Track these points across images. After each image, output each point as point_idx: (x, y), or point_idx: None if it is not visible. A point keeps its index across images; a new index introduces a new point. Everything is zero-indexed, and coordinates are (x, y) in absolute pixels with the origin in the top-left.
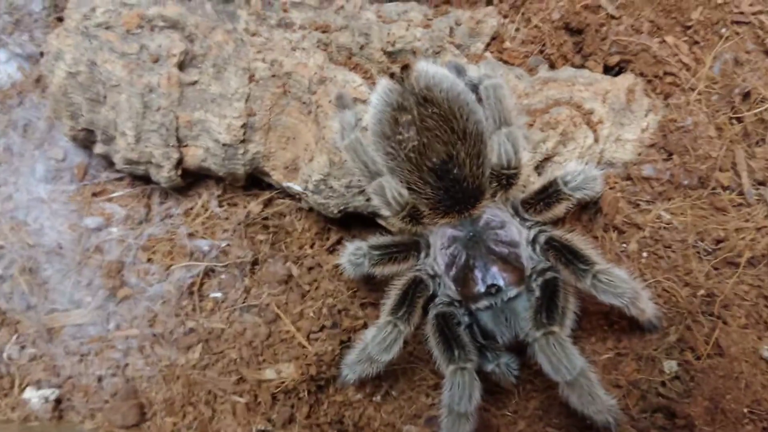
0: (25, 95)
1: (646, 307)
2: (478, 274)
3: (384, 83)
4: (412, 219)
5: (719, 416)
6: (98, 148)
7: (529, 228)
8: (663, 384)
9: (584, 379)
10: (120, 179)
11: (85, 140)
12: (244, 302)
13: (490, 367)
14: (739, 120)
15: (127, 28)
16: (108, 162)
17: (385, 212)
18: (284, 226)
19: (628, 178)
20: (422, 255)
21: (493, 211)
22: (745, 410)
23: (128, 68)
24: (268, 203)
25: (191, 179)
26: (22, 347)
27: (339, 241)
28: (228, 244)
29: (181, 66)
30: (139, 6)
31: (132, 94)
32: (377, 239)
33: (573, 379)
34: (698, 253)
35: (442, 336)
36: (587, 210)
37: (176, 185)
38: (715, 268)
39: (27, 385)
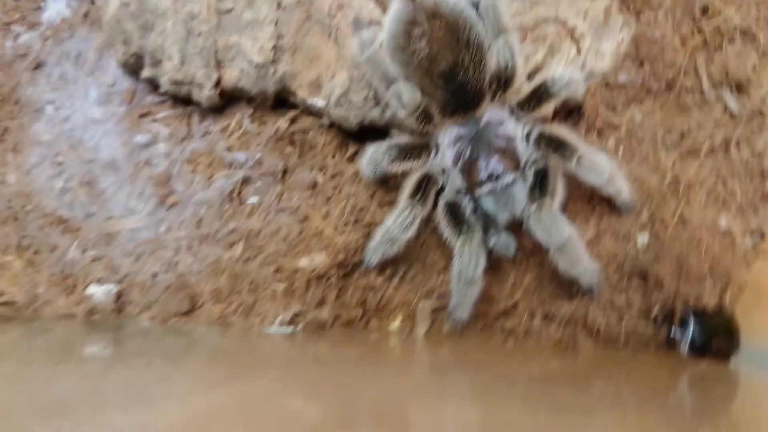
0: (75, 29)
1: (622, 187)
2: (481, 164)
3: (398, 2)
4: (424, 118)
5: (684, 275)
6: (146, 72)
7: (524, 125)
8: (637, 254)
9: (571, 244)
10: (163, 102)
11: (135, 65)
12: (277, 205)
13: (491, 243)
14: (700, 31)
15: None
16: (152, 87)
17: (401, 113)
18: (308, 140)
19: (606, 85)
20: (432, 154)
21: (493, 112)
22: (705, 271)
23: None
24: (293, 120)
25: (226, 101)
26: (84, 250)
27: (356, 153)
28: (261, 156)
29: None
30: None
31: (177, 21)
32: (395, 139)
33: (562, 244)
34: (666, 145)
35: (452, 218)
36: (572, 116)
37: (214, 104)
38: (680, 157)
39: (90, 282)
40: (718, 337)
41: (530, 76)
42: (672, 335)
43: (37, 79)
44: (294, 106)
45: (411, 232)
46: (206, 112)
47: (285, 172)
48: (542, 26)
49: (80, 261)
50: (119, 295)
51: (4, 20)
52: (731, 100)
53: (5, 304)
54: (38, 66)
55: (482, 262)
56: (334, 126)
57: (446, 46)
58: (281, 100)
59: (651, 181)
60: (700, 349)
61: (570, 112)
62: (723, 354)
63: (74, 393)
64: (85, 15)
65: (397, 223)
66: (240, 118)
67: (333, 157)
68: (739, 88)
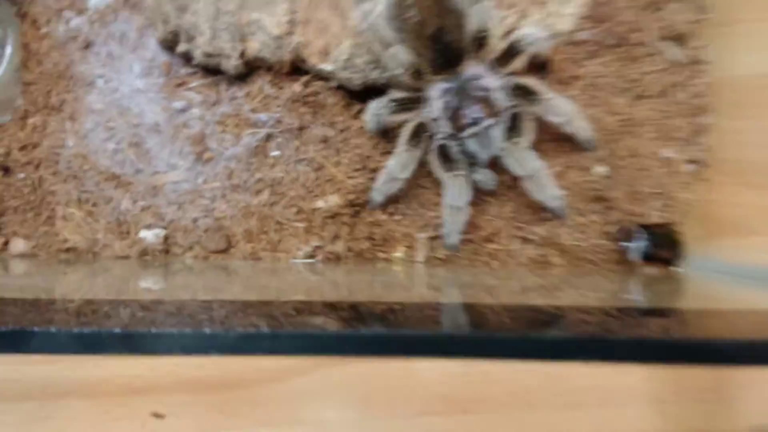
0: (118, 13)
1: (582, 126)
2: (465, 111)
3: None
4: (416, 75)
5: (635, 196)
6: (181, 47)
7: (499, 77)
8: (596, 182)
9: (539, 174)
10: (195, 73)
11: (171, 42)
12: (296, 157)
13: (476, 176)
14: None
15: None
16: (186, 60)
17: (398, 72)
18: (320, 100)
19: (570, 43)
20: (424, 106)
21: (473, 68)
22: (650, 192)
23: None
24: (306, 84)
25: (249, 70)
26: (134, 201)
27: (360, 110)
28: (280, 116)
29: None
30: None
31: (207, 2)
32: (393, 94)
33: (532, 173)
34: (620, 91)
35: (442, 157)
36: (542, 70)
37: (240, 73)
38: (632, 101)
39: (141, 228)
40: (663, 248)
41: (504, 37)
42: (625, 246)
43: (88, 57)
44: (306, 72)
45: (409, 172)
46: (232, 80)
47: (301, 128)
48: None
49: (132, 210)
50: (166, 238)
51: (55, 7)
52: (673, 51)
53: (69, 249)
54: (88, 46)
55: (468, 192)
56: (341, 88)
57: (432, 14)
58: (296, 68)
59: (608, 121)
60: (649, 258)
61: (540, 66)
62: (668, 261)
63: (133, 321)
64: (126, 0)
65: (397, 165)
66: (261, 84)
67: (341, 114)
68: (680, 41)
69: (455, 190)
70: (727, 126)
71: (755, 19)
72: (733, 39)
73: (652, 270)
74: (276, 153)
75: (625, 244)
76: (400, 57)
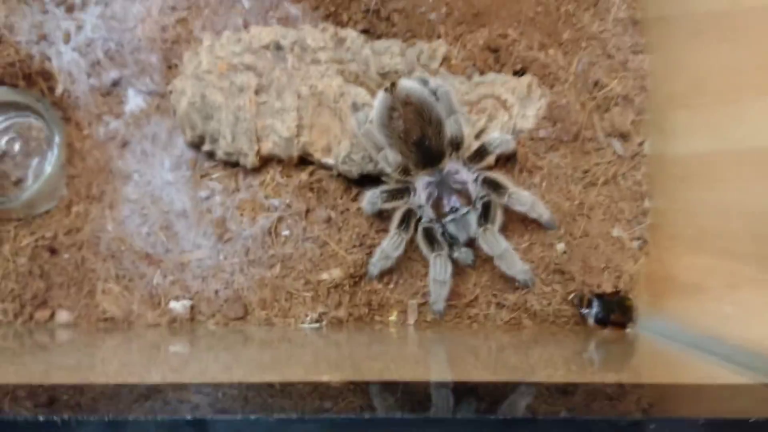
0: (150, 117)
1: (542, 212)
2: (445, 201)
3: (382, 95)
4: (404, 173)
5: (587, 270)
6: (206, 147)
7: (473, 172)
8: (557, 257)
9: (508, 253)
10: (216, 166)
11: (198, 143)
12: (303, 236)
13: (456, 255)
14: (594, 98)
15: (221, 72)
16: (209, 156)
17: (387, 170)
18: (323, 187)
19: (531, 138)
20: (411, 195)
21: (451, 165)
22: (603, 266)
23: (225, 96)
24: (311, 174)
25: (263, 163)
26: (165, 276)
27: (358, 194)
28: (290, 201)
29: (256, 93)
30: (227, 58)
31: (228, 112)
32: (385, 186)
33: (501, 253)
34: (574, 179)
35: (427, 239)
36: (509, 161)
37: (254, 166)
38: (584, 188)
39: (170, 300)
40: (615, 313)
41: (477, 136)
42: (583, 313)
43: (125, 154)
44: (312, 163)
45: (400, 251)
46: (248, 171)
47: (307, 211)
48: (483, 101)
49: (162, 284)
50: (192, 308)
51: (96, 112)
52: (618, 146)
53: (108, 319)
54: (125, 145)
55: (450, 269)
56: (341, 176)
57: (416, 124)
58: (303, 160)
59: (565, 205)
60: (602, 321)
61: (508, 158)
62: (620, 324)
63: (163, 381)
64: (157, 106)
65: (390, 246)
66: (273, 174)
67: (341, 198)
68: (623, 137)
69: (439, 267)
70: (677, 198)
71: (694, 104)
72: (676, 120)
73: (606, 332)
74: (286, 232)
75: (584, 310)
76: (389, 158)
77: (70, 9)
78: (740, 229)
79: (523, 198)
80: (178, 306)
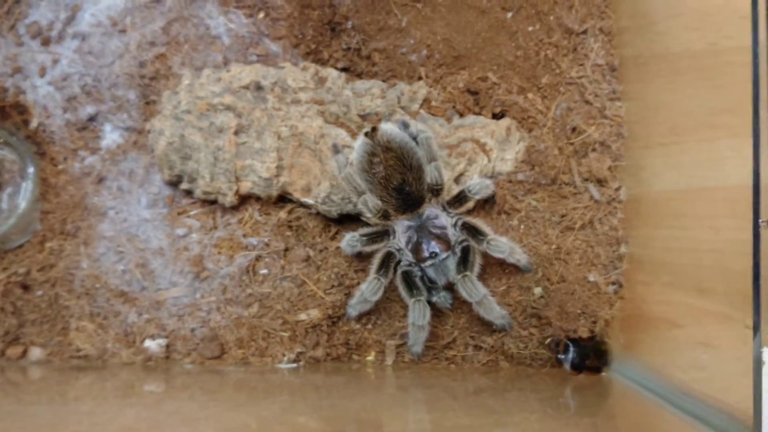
0: (127, 153)
1: (521, 258)
2: (424, 246)
3: (362, 139)
4: (383, 217)
5: (565, 316)
6: (184, 185)
7: (452, 217)
8: (534, 301)
9: (486, 300)
10: (194, 203)
11: (176, 182)
12: (281, 275)
13: (434, 299)
14: (571, 143)
15: (201, 112)
16: (187, 194)
17: (367, 214)
18: (302, 225)
19: (510, 181)
20: (391, 238)
21: (430, 210)
22: (579, 311)
23: (204, 137)
24: (290, 212)
25: (241, 201)
26: (140, 314)
27: (338, 233)
28: (268, 239)
29: (236, 133)
30: (207, 98)
31: (207, 152)
32: (363, 230)
33: (479, 300)
34: (551, 223)
35: (406, 283)
36: (488, 202)
37: (233, 205)
38: (561, 232)
39: (145, 338)
40: (590, 358)
41: (456, 180)
42: (559, 357)
43: (100, 190)
44: (291, 201)
45: (379, 296)
46: (227, 209)
47: (286, 250)
48: (462, 144)
49: (137, 323)
50: (167, 346)
51: (71, 147)
52: (595, 191)
53: (82, 357)
54: (101, 180)
55: (428, 314)
56: (320, 214)
57: (396, 170)
58: (282, 198)
59: (542, 249)
60: (578, 367)
61: (486, 201)
62: (595, 369)
63: (137, 420)
64: (135, 142)
65: (368, 290)
66: (252, 212)
67: (320, 236)
68: (600, 182)
69: (417, 312)
70: (651, 237)
71: (669, 143)
72: (652, 160)
73: (581, 377)
74: (264, 271)
75: (560, 356)
76: (369, 203)
77: (45, 42)
78: (711, 266)
79: (501, 245)
80: (154, 345)
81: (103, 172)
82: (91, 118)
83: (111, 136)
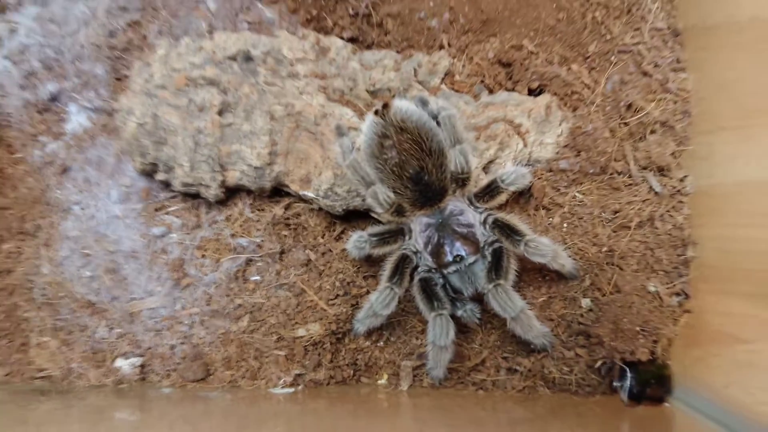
0: (95, 138)
1: (565, 262)
2: (447, 248)
3: (371, 118)
4: (397, 213)
5: (620, 334)
6: (160, 176)
7: (481, 213)
8: (581, 315)
9: (524, 315)
10: (174, 197)
11: (150, 171)
12: (277, 282)
13: (459, 313)
14: (626, 124)
15: (178, 87)
16: (165, 185)
17: (378, 210)
18: (301, 223)
19: (550, 170)
20: (407, 238)
21: (454, 204)
22: (637, 329)
23: (181, 117)
24: (287, 207)
25: (229, 194)
26: (110, 329)
27: (343, 232)
28: (261, 240)
29: (220, 112)
30: (184, 70)
31: (186, 135)
32: (373, 228)
33: (516, 315)
34: (602, 221)
35: (425, 294)
36: (523, 195)
37: (219, 199)
38: (614, 231)
39: (117, 357)
40: (651, 386)
41: (485, 168)
42: (613, 385)
43: (64, 182)
44: (288, 194)
45: (391, 309)
46: (212, 204)
47: (282, 252)
48: (493, 126)
49: (107, 338)
50: (143, 366)
51: (31, 131)
52: (654, 182)
53: (44, 378)
54: (64, 171)
55: (452, 332)
56: (322, 210)
57: (413, 155)
58: (277, 191)
59: (590, 252)
60: (636, 397)
61: (522, 193)
62: (657, 399)
63: None
64: (104, 125)
65: (379, 302)
66: (242, 207)
67: (323, 237)
68: (661, 171)
69: (439, 329)
70: (725, 234)
71: (735, 126)
72: (723, 146)
73: (640, 409)
74: (256, 278)
75: (615, 383)
76: (380, 196)
77: (1, 9)
78: None
79: (542, 247)
80: (126, 364)
81: (67, 161)
82: (54, 98)
83: (77, 119)
